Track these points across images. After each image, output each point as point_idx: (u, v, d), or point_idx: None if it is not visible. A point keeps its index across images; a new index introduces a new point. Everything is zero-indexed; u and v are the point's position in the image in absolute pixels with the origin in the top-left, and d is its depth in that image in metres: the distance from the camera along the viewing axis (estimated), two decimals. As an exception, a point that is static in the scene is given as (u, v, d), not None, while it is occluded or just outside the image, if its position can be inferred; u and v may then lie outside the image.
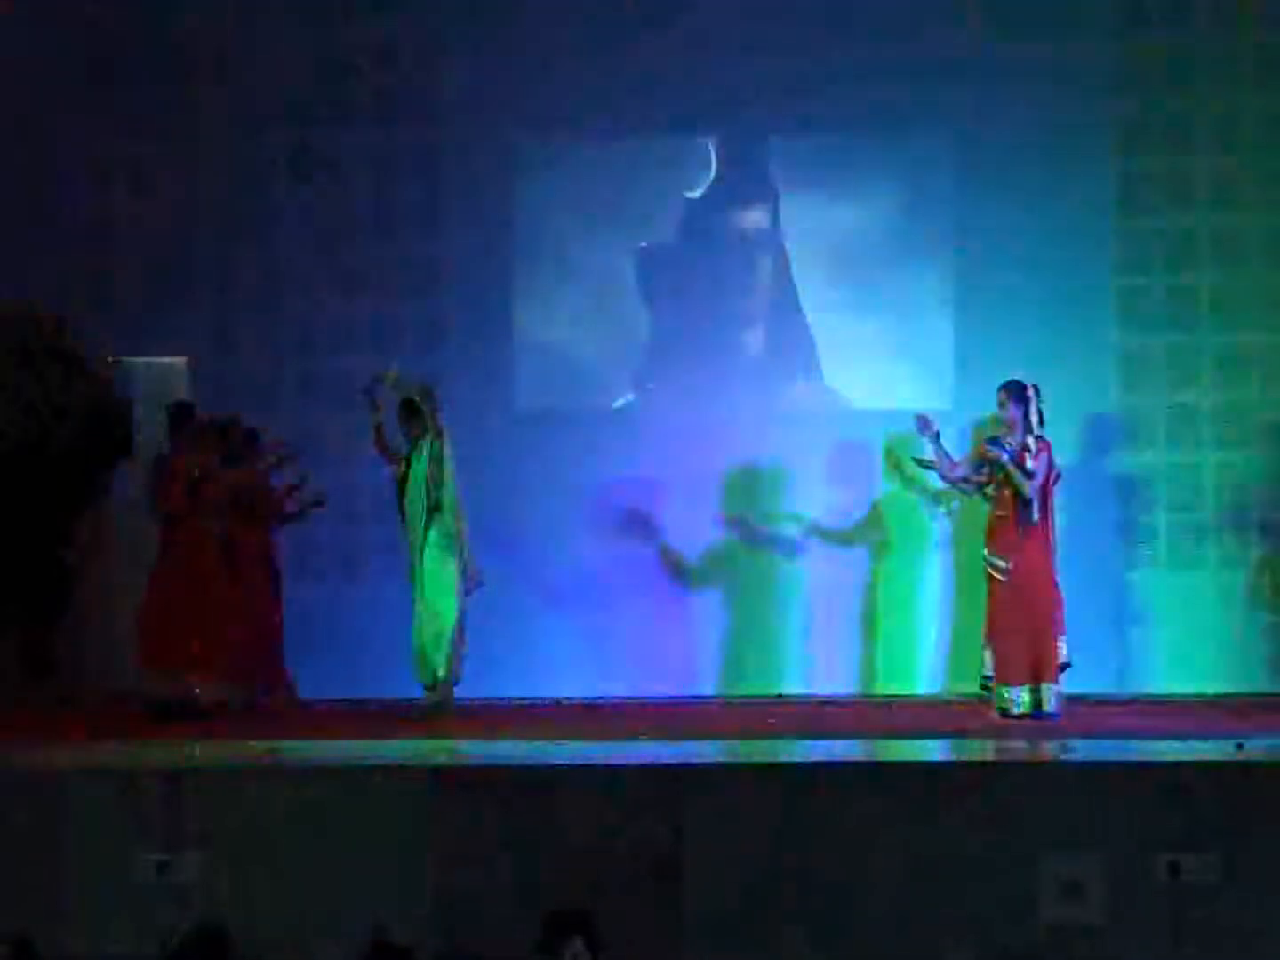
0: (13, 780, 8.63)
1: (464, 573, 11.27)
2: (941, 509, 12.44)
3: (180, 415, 11.61)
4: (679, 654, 12.32)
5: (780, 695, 12.37)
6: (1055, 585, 10.76)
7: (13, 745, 9.54)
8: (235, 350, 12.97)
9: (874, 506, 12.67)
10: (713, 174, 13.05)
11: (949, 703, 11.89)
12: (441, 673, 11.22)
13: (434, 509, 11.18)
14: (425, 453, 11.20)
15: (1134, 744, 9.77)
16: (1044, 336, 12.56)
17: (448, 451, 11.21)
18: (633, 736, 9.97)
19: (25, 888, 8.28)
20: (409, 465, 11.25)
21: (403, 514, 11.32)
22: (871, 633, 12.66)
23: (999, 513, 10.80)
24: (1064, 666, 10.67)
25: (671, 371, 12.76)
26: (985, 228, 12.68)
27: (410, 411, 11.27)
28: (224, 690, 11.26)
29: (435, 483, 11.17)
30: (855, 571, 12.75)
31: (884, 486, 12.62)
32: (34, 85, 12.83)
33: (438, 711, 11.16)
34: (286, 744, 9.80)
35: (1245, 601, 12.42)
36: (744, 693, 12.38)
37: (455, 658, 11.26)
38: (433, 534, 11.21)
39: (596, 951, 7.11)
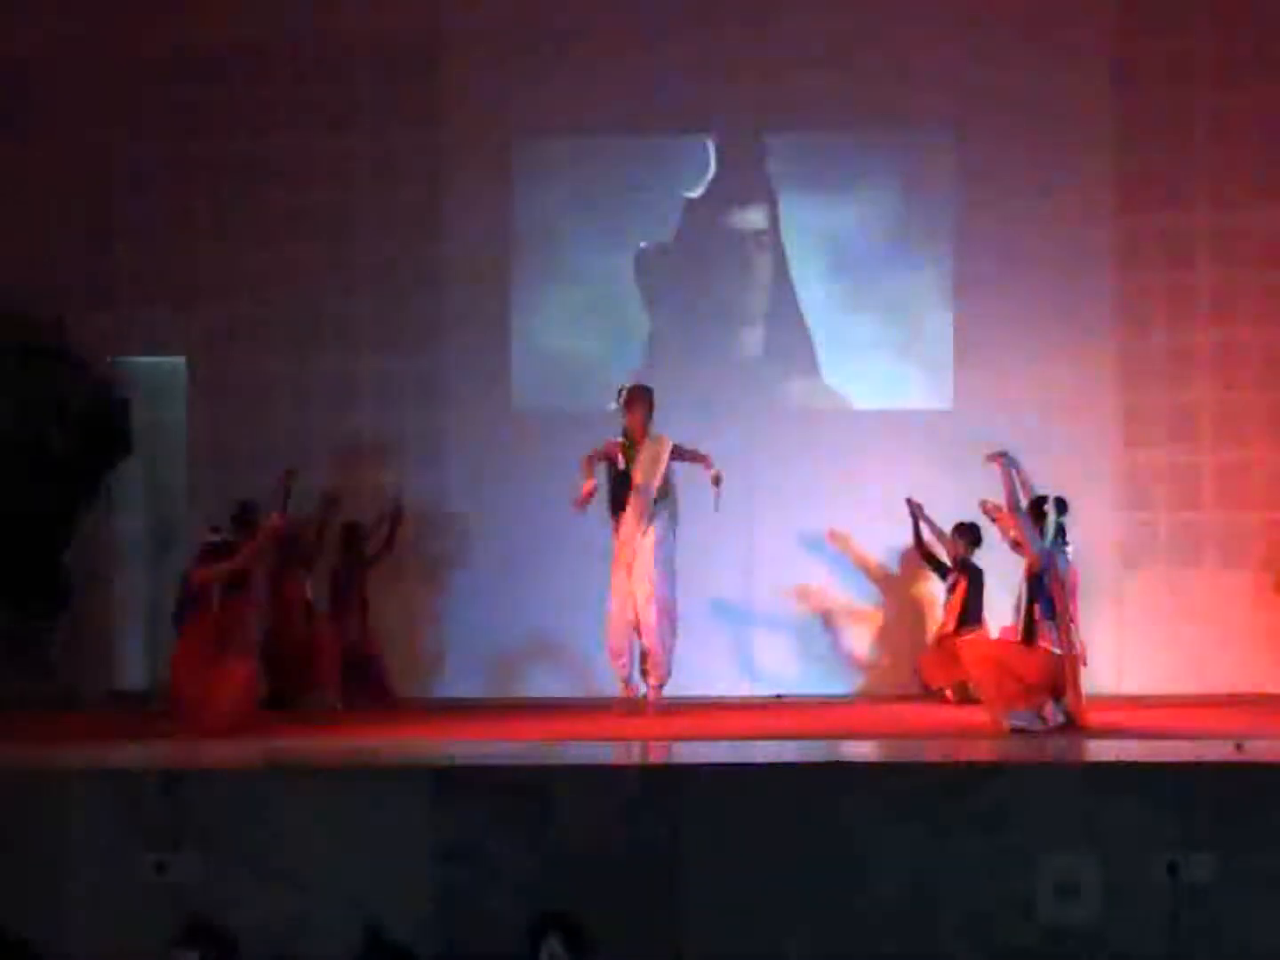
0: (13, 780, 8.62)
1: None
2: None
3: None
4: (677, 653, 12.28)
5: (779, 695, 12.40)
6: None
7: (13, 745, 9.55)
8: (235, 350, 12.96)
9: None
10: (712, 173, 13.05)
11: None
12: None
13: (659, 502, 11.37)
14: (647, 450, 11.33)
15: (1134, 744, 9.78)
16: (1044, 336, 12.57)
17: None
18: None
19: (25, 888, 8.28)
20: (628, 464, 11.34)
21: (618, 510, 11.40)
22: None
23: None
24: None
25: (671, 371, 12.75)
26: (985, 226, 12.69)
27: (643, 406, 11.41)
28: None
29: (663, 479, 11.34)
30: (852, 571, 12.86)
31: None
32: (35, 85, 12.83)
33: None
34: (287, 744, 9.80)
35: (1245, 601, 12.44)
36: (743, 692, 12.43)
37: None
38: (656, 527, 11.34)
39: (579, 952, 7.12)
